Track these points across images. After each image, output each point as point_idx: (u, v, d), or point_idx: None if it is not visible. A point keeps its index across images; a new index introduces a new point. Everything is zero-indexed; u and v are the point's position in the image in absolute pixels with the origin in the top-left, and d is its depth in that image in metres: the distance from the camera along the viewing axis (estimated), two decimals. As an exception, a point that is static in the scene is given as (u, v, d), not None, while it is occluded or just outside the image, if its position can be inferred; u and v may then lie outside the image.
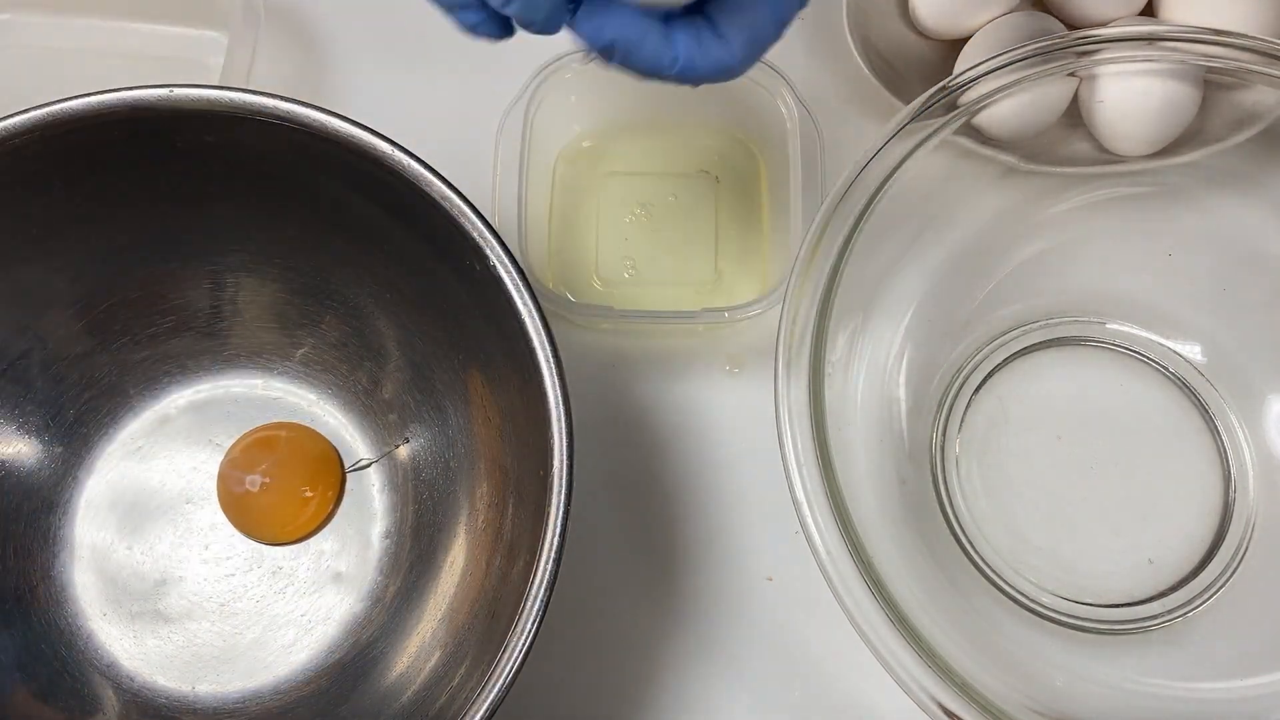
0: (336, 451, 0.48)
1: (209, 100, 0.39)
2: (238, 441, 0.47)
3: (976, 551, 0.46)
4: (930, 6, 0.51)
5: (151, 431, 0.48)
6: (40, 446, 0.46)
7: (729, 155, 0.53)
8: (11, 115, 0.39)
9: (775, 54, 0.55)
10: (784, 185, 0.49)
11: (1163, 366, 0.48)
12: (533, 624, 0.36)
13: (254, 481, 0.46)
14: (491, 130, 0.49)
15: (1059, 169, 0.48)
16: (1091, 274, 0.49)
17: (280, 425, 0.48)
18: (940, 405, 0.49)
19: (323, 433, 0.48)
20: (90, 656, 0.45)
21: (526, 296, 0.38)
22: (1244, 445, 0.47)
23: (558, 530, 0.36)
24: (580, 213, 0.53)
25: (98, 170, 0.41)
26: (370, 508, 0.47)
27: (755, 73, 0.49)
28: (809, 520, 0.38)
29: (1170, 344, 0.49)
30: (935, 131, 0.42)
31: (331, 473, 0.47)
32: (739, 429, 0.50)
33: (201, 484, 0.47)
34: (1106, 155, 0.48)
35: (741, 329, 0.51)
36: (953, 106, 0.42)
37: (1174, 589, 0.46)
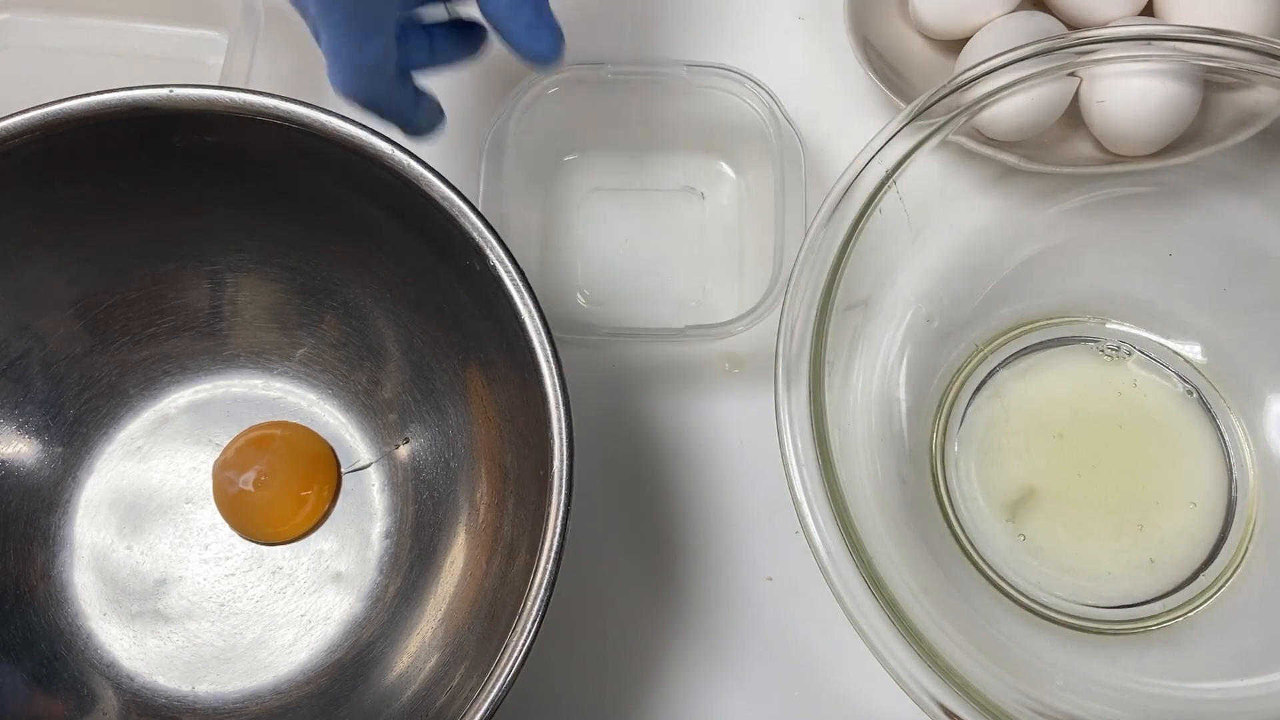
0: (333, 450, 0.48)
1: (209, 100, 0.39)
2: (232, 441, 0.47)
3: (977, 551, 0.46)
4: (930, 6, 0.51)
5: (151, 431, 0.48)
6: (40, 446, 0.46)
7: (712, 171, 0.53)
8: (12, 115, 0.39)
9: (775, 52, 0.55)
10: (766, 200, 0.49)
11: (1164, 365, 0.48)
12: (533, 624, 0.36)
13: (248, 480, 0.46)
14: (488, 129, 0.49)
15: (1059, 169, 0.48)
16: (1091, 274, 0.49)
17: (275, 424, 0.48)
18: (940, 405, 0.49)
19: (322, 433, 0.48)
20: (90, 656, 0.45)
21: (526, 296, 0.38)
22: (1245, 445, 0.47)
23: (558, 531, 0.36)
24: (564, 229, 0.53)
25: (98, 170, 0.41)
26: (370, 508, 0.47)
27: (739, 87, 0.49)
28: (809, 520, 0.38)
29: (1170, 344, 0.49)
30: (935, 131, 0.42)
31: (327, 472, 0.47)
32: (738, 429, 0.50)
33: (201, 484, 0.47)
34: (1106, 155, 0.49)
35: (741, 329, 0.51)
36: (953, 106, 0.42)
37: (1176, 590, 0.46)
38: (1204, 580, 0.46)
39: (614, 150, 0.54)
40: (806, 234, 0.41)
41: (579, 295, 0.52)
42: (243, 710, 0.44)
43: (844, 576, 0.38)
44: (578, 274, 0.52)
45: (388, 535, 0.47)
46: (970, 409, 0.48)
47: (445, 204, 0.39)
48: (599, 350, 0.51)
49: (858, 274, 0.42)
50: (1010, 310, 0.49)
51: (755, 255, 0.51)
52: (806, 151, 0.48)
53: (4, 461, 0.45)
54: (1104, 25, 0.48)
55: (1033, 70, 0.43)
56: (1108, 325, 0.49)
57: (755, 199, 0.52)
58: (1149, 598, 0.46)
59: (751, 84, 0.49)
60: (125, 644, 0.45)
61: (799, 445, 0.39)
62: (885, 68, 0.52)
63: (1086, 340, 0.49)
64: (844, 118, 0.54)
